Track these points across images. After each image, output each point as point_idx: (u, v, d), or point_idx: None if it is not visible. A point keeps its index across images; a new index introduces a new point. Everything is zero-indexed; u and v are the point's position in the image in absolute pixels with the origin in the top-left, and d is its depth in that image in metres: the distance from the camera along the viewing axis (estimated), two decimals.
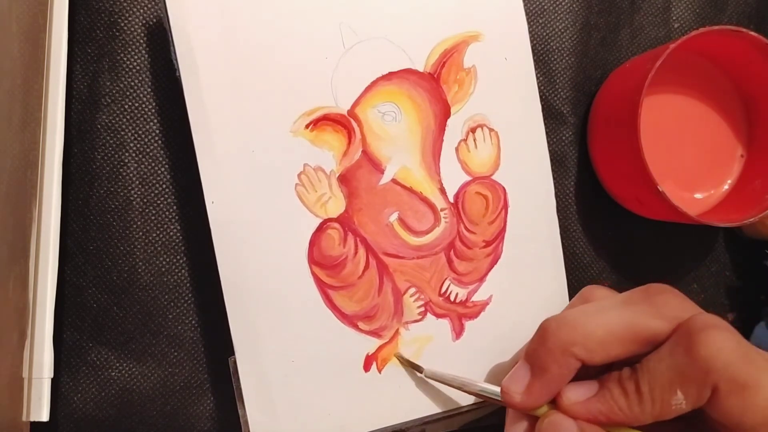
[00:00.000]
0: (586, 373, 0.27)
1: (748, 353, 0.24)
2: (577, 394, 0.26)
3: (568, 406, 0.26)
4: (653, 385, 0.25)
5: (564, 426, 0.26)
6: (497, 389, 0.29)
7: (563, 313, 0.28)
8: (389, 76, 0.33)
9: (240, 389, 0.31)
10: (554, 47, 0.38)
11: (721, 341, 0.24)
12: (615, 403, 0.25)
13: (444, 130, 0.34)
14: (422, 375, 0.32)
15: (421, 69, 0.33)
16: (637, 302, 0.26)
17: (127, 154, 0.33)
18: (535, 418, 0.28)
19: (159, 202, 0.34)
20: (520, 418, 0.29)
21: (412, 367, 0.32)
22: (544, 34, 0.38)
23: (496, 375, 0.34)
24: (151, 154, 0.34)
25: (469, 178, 0.34)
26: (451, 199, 0.34)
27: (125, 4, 0.33)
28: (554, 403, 0.28)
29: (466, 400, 0.34)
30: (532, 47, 0.35)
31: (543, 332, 0.27)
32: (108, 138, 0.33)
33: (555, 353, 0.26)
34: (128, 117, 0.33)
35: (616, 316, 0.26)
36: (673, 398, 0.24)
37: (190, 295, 0.34)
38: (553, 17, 0.38)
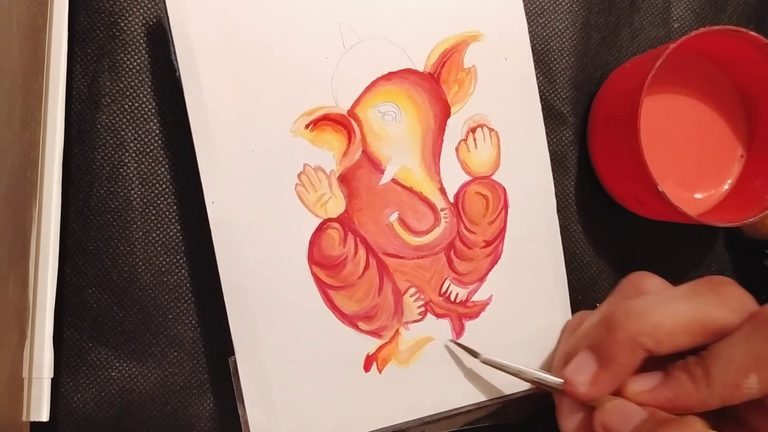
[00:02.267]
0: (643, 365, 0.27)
1: None
2: (641, 385, 0.27)
3: (633, 395, 0.27)
4: (725, 369, 0.25)
5: (629, 410, 0.26)
6: (557, 380, 0.29)
7: (629, 303, 0.28)
8: (389, 76, 0.33)
9: (240, 389, 0.31)
10: (554, 47, 0.38)
11: None
12: (682, 388, 0.26)
13: (444, 130, 0.34)
14: (479, 360, 0.32)
15: (421, 69, 0.33)
16: (704, 293, 0.27)
17: (127, 154, 0.33)
18: (591, 409, 0.28)
19: (159, 202, 0.34)
20: (576, 410, 0.29)
21: (468, 352, 0.33)
22: (544, 34, 0.38)
23: (497, 374, 0.34)
24: (151, 154, 0.34)
25: (469, 178, 0.34)
26: (451, 199, 0.34)
27: (125, 4, 0.33)
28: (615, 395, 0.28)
29: (465, 400, 0.34)
30: (532, 47, 0.35)
31: (610, 322, 0.27)
32: (108, 138, 0.33)
33: (623, 343, 0.27)
34: (128, 117, 0.33)
35: (685, 307, 0.26)
36: (745, 381, 0.24)
37: (190, 295, 0.34)
38: (553, 17, 0.38)
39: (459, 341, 0.33)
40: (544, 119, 0.36)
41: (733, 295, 0.26)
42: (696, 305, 0.26)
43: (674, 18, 0.40)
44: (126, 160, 0.33)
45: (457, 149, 0.34)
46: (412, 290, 0.33)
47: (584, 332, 0.30)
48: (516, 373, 0.31)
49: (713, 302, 0.26)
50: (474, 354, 0.32)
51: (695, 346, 0.26)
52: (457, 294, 0.34)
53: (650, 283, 0.31)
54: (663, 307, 0.27)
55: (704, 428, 0.25)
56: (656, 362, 0.27)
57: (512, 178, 0.35)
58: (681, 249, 0.41)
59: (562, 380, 0.29)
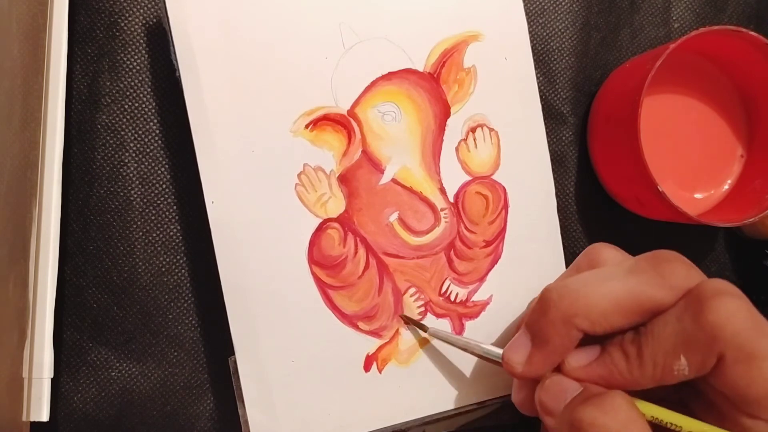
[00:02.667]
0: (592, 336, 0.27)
1: (760, 324, 0.23)
2: (578, 359, 0.26)
3: (569, 371, 0.26)
4: (656, 349, 0.24)
5: (565, 386, 0.26)
6: (500, 352, 0.29)
7: (565, 281, 0.27)
8: (389, 76, 0.33)
9: (240, 389, 0.31)
10: (554, 47, 0.38)
11: (731, 309, 0.23)
12: (615, 366, 0.25)
13: (444, 130, 0.34)
14: (426, 334, 0.32)
15: (420, 69, 0.33)
16: (644, 270, 0.25)
17: (127, 154, 0.33)
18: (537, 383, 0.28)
19: (159, 202, 0.34)
20: (524, 385, 0.29)
21: (417, 326, 0.33)
22: (544, 34, 0.38)
23: (498, 374, 0.34)
24: (151, 154, 0.34)
25: (469, 178, 0.34)
26: (451, 199, 0.34)
27: (125, 4, 0.33)
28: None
29: (465, 400, 0.34)
30: (532, 47, 0.35)
31: (544, 302, 0.26)
32: (108, 138, 0.33)
33: (557, 324, 0.26)
34: (128, 117, 0.33)
35: (620, 287, 0.25)
36: (676, 363, 0.23)
37: (190, 295, 0.34)
38: (553, 17, 0.38)
39: (406, 314, 0.33)
40: (544, 119, 0.36)
41: (674, 273, 0.25)
42: (633, 284, 0.25)
43: (674, 18, 0.40)
44: (126, 160, 0.33)
45: (457, 149, 0.34)
46: (412, 290, 0.33)
47: (528, 309, 0.29)
48: (463, 347, 0.31)
49: (651, 280, 0.25)
50: (423, 328, 0.32)
51: (633, 325, 0.25)
52: (457, 294, 0.34)
53: (606, 255, 0.29)
54: (598, 286, 0.25)
55: (626, 403, 0.24)
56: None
57: (512, 178, 0.35)
58: (681, 249, 0.40)
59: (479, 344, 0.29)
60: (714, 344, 0.23)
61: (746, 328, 0.23)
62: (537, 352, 0.27)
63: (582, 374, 0.26)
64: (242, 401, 0.31)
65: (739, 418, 0.24)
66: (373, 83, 0.33)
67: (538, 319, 0.27)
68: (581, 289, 0.26)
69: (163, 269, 0.34)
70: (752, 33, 0.34)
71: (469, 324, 0.34)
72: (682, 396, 0.26)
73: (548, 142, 0.36)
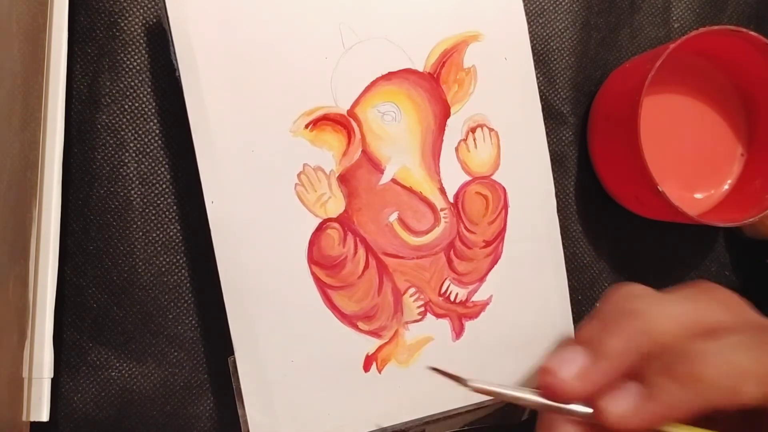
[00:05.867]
0: None
1: None
2: (619, 404, 0.23)
3: (616, 420, 0.23)
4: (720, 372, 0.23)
5: None
6: (584, 410, 0.24)
7: (623, 302, 0.26)
8: (389, 76, 0.33)
9: (240, 389, 0.31)
10: (554, 47, 0.38)
11: None
12: (670, 395, 0.23)
13: (444, 130, 0.34)
14: (467, 388, 0.26)
15: (420, 69, 0.33)
16: (696, 296, 0.25)
17: (127, 154, 0.33)
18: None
19: (159, 202, 0.34)
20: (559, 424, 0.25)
21: (454, 380, 0.26)
22: (544, 34, 0.38)
23: (497, 375, 0.34)
24: (151, 154, 0.34)
25: (469, 178, 0.34)
26: (451, 199, 0.34)
27: (125, 4, 0.33)
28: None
29: (465, 400, 0.34)
30: (532, 47, 0.35)
31: (605, 318, 0.25)
32: (108, 138, 0.33)
33: (620, 338, 0.24)
34: (128, 117, 0.33)
35: (682, 308, 0.25)
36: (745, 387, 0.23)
37: (190, 295, 0.34)
38: (553, 17, 0.38)
39: (442, 369, 0.27)
40: (544, 119, 0.35)
41: (730, 298, 0.25)
42: (691, 306, 0.25)
43: (674, 18, 0.40)
44: (126, 160, 0.33)
45: (456, 149, 0.34)
46: (411, 290, 0.33)
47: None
48: (513, 400, 0.25)
49: (710, 305, 0.25)
50: (462, 382, 0.26)
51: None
52: (456, 294, 0.34)
53: (637, 289, 0.28)
54: (661, 307, 0.25)
55: None
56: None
57: (512, 178, 0.35)
58: (681, 249, 0.41)
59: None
60: None
61: None
62: (593, 366, 0.24)
63: (634, 419, 0.23)
64: (242, 401, 0.31)
65: None
66: (373, 83, 0.33)
67: (596, 334, 0.25)
68: (646, 309, 0.25)
69: (163, 269, 0.34)
70: (752, 33, 0.34)
71: (468, 324, 0.34)
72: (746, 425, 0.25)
73: (548, 142, 0.36)
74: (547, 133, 0.35)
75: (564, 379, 0.24)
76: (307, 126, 0.32)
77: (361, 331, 0.33)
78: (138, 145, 0.34)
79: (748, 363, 0.23)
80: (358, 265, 0.33)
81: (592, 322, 0.26)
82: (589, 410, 0.24)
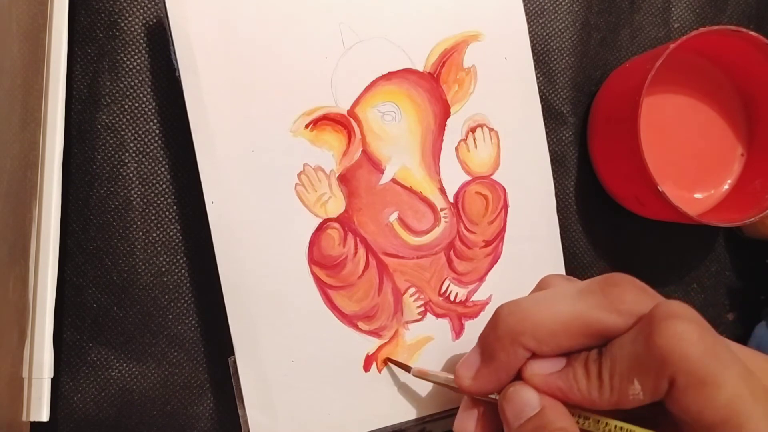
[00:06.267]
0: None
1: (713, 347, 0.22)
2: (542, 367, 0.25)
3: (529, 377, 0.26)
4: (613, 372, 0.24)
5: (526, 397, 0.25)
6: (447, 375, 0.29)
7: (517, 300, 0.27)
8: (389, 76, 0.33)
9: (240, 389, 0.31)
10: (554, 47, 0.38)
11: (681, 331, 0.22)
12: (576, 383, 0.25)
13: (444, 129, 0.34)
14: (410, 374, 0.32)
15: (420, 69, 0.33)
16: (592, 293, 0.25)
17: (127, 154, 0.33)
18: (488, 406, 0.27)
19: (159, 202, 0.34)
20: (472, 406, 0.28)
21: (402, 367, 0.32)
22: (544, 34, 0.38)
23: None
24: (151, 154, 0.34)
25: (469, 178, 0.34)
26: (451, 199, 0.34)
27: (125, 4, 0.33)
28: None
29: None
30: (532, 47, 0.35)
31: (494, 318, 0.26)
32: (108, 138, 0.33)
33: (503, 341, 0.25)
34: (128, 117, 0.33)
35: (568, 307, 0.25)
36: (630, 388, 0.23)
37: (190, 295, 0.34)
38: (553, 17, 0.38)
39: (390, 358, 0.33)
40: (544, 119, 0.36)
41: (622, 296, 0.24)
42: (580, 306, 0.25)
43: (674, 18, 0.40)
44: (126, 160, 0.33)
45: (456, 149, 0.34)
46: (411, 290, 0.33)
47: None
48: (444, 383, 0.30)
49: (599, 304, 0.24)
50: (406, 369, 0.32)
51: (581, 347, 0.25)
52: (456, 294, 0.34)
53: (555, 282, 0.29)
54: (546, 306, 0.25)
55: None
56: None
57: (512, 177, 0.35)
58: (681, 249, 0.41)
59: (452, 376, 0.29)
60: (664, 369, 0.22)
61: (697, 352, 0.22)
62: (484, 368, 0.27)
63: (542, 382, 0.25)
64: (242, 401, 0.31)
65: None
66: (373, 83, 0.33)
67: (487, 335, 0.27)
68: (531, 308, 0.26)
69: (163, 269, 0.34)
70: (752, 33, 0.34)
71: (468, 324, 0.34)
72: (656, 413, 0.26)
73: (548, 142, 0.36)
74: (547, 133, 0.36)
75: (463, 380, 0.27)
76: (307, 126, 0.32)
77: (361, 331, 0.33)
78: (138, 145, 0.34)
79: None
80: (358, 265, 0.33)
81: (492, 316, 0.27)
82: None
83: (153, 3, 0.34)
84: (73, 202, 0.33)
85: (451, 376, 0.29)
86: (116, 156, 0.33)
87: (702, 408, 0.22)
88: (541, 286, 0.30)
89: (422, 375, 0.31)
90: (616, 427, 0.24)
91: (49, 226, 0.31)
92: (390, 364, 0.33)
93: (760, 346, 0.39)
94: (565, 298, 0.25)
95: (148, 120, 0.34)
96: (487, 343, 0.27)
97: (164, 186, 0.34)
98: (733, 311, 0.41)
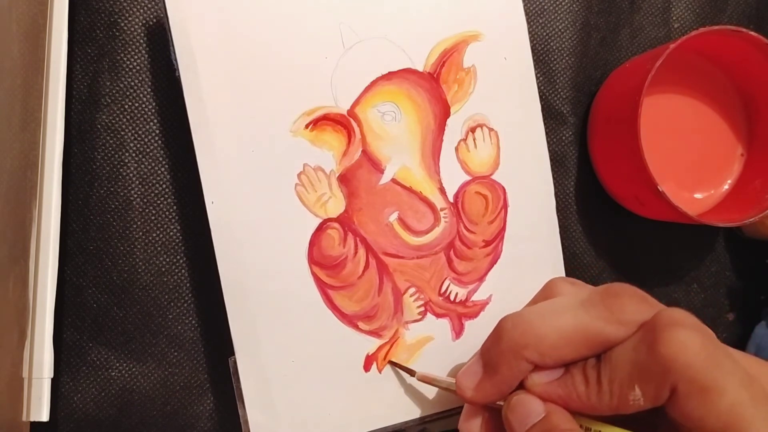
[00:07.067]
0: None
1: (715, 354, 0.23)
2: (541, 376, 0.26)
3: (531, 385, 0.26)
4: (613, 378, 0.24)
5: (530, 406, 0.26)
6: (449, 380, 0.29)
7: (520, 311, 0.27)
8: (389, 76, 0.33)
9: (240, 389, 0.31)
10: (554, 47, 0.38)
11: (684, 339, 0.23)
12: (575, 389, 0.25)
13: (444, 129, 0.34)
14: (414, 378, 0.32)
15: (420, 69, 0.33)
16: (594, 305, 0.25)
17: (127, 154, 0.33)
18: (492, 413, 0.28)
19: (159, 202, 0.34)
20: (476, 412, 0.28)
21: (405, 371, 0.32)
22: (544, 34, 0.38)
23: None
24: (151, 154, 0.34)
25: (468, 178, 0.34)
26: (451, 199, 0.34)
27: (125, 4, 0.33)
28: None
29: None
30: (532, 47, 0.35)
31: (498, 331, 0.27)
32: (108, 138, 0.33)
33: (506, 355, 0.26)
34: (128, 117, 0.33)
35: (570, 320, 0.25)
36: (631, 394, 0.23)
37: (190, 295, 0.34)
38: (553, 17, 0.38)
39: (393, 360, 0.33)
40: (544, 119, 0.36)
41: (623, 307, 0.25)
42: (582, 317, 0.25)
43: (674, 18, 0.40)
44: (126, 160, 0.33)
45: (456, 149, 0.34)
46: (411, 290, 0.33)
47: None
48: (447, 388, 0.31)
49: (600, 315, 0.25)
50: (410, 372, 0.32)
51: (582, 358, 0.25)
52: (456, 294, 0.34)
53: (560, 288, 0.30)
54: (549, 319, 0.26)
55: None
56: None
57: (512, 177, 0.35)
58: (681, 249, 0.41)
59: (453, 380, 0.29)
60: (667, 376, 0.22)
61: (699, 360, 0.22)
62: (486, 380, 0.27)
63: (543, 391, 0.26)
64: (242, 401, 0.31)
65: None
66: (373, 83, 0.33)
67: (490, 347, 0.27)
68: (534, 321, 0.26)
69: (163, 269, 0.34)
70: (752, 33, 0.34)
71: (468, 324, 0.34)
72: (656, 421, 0.26)
73: (548, 142, 0.36)
74: (547, 133, 0.36)
75: (465, 391, 0.28)
76: (307, 126, 0.32)
77: (361, 331, 0.33)
78: (138, 145, 0.34)
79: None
80: (358, 265, 0.33)
81: (495, 327, 0.27)
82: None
83: (153, 3, 0.34)
84: (73, 202, 0.33)
85: (454, 382, 0.29)
86: (116, 156, 0.33)
87: (704, 414, 0.22)
88: (546, 292, 0.31)
89: (426, 380, 0.31)
90: None
91: (49, 226, 0.31)
92: (394, 366, 0.33)
93: (760, 346, 0.39)
94: (567, 310, 0.26)
95: (148, 120, 0.34)
96: (490, 355, 0.27)
97: (164, 186, 0.34)
98: (733, 311, 0.41)
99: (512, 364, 0.26)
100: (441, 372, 0.33)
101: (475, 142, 0.34)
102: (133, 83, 0.33)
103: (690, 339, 0.23)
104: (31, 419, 0.30)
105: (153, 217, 0.34)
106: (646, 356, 0.23)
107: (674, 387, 0.23)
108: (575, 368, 0.25)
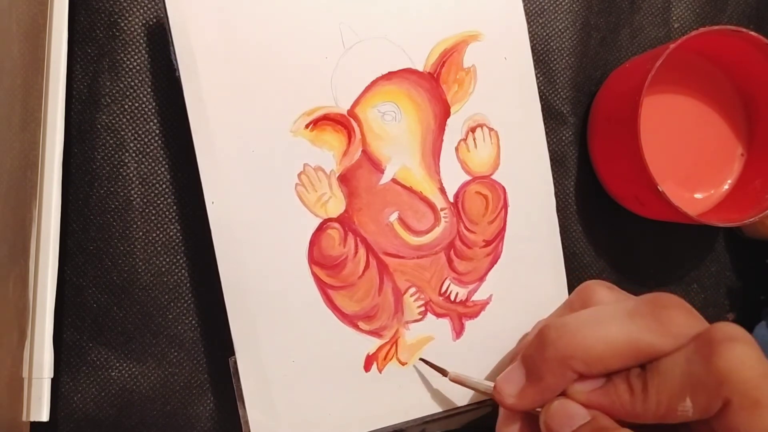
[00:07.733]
0: None
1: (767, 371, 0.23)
2: (584, 385, 0.26)
3: (573, 393, 0.26)
4: (662, 388, 0.24)
5: (573, 412, 0.26)
6: (488, 384, 0.29)
7: (564, 320, 0.27)
8: (389, 76, 0.33)
9: (240, 389, 0.31)
10: (554, 47, 0.38)
11: (741, 355, 0.23)
12: (618, 398, 0.25)
13: (444, 129, 0.34)
14: (446, 379, 0.32)
15: (420, 69, 0.33)
16: (642, 316, 0.25)
17: (127, 154, 0.33)
18: (529, 416, 0.28)
19: (159, 202, 0.34)
20: (514, 417, 0.29)
21: (438, 370, 0.32)
22: (544, 34, 0.38)
23: (497, 374, 0.34)
24: (151, 154, 0.34)
25: (468, 178, 0.34)
26: (451, 199, 0.34)
27: (125, 4, 0.33)
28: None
29: (465, 399, 0.34)
30: (532, 47, 0.35)
31: (542, 339, 0.27)
32: (108, 138, 0.33)
33: (552, 364, 0.26)
34: (128, 117, 0.33)
35: (619, 331, 0.25)
36: (681, 404, 0.24)
37: (190, 295, 0.34)
38: (553, 17, 0.38)
39: (424, 358, 0.33)
40: (544, 119, 0.36)
41: (673, 320, 0.25)
42: (631, 329, 0.25)
43: (674, 18, 0.40)
44: (126, 160, 0.33)
45: (456, 149, 0.34)
46: (412, 290, 0.33)
47: (525, 341, 0.29)
48: (485, 391, 0.30)
49: (650, 326, 0.25)
50: (443, 372, 0.32)
51: (627, 368, 0.25)
52: (457, 294, 0.34)
53: (599, 295, 0.30)
54: (596, 329, 0.25)
55: None
56: None
57: (512, 177, 0.35)
58: (681, 249, 0.41)
59: (492, 385, 0.29)
60: (721, 389, 0.23)
61: (755, 376, 0.23)
62: (530, 388, 0.27)
63: (586, 399, 0.26)
64: (242, 401, 0.31)
65: None
66: (373, 83, 0.33)
67: (534, 355, 0.27)
68: (580, 331, 0.26)
69: (163, 269, 0.34)
70: (752, 33, 0.34)
71: (468, 324, 0.34)
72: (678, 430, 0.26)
73: (548, 142, 0.36)
74: (547, 133, 0.36)
75: (505, 397, 0.28)
76: (307, 126, 0.32)
77: (361, 331, 0.33)
78: (138, 145, 0.34)
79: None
80: (358, 265, 0.33)
81: (538, 333, 0.27)
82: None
83: (153, 3, 0.34)
84: (73, 202, 0.33)
85: (490, 385, 0.29)
86: (116, 156, 0.33)
87: (751, 428, 0.23)
88: (583, 297, 0.30)
89: (459, 381, 0.31)
90: None
91: (49, 226, 0.31)
92: (425, 364, 0.33)
93: (760, 346, 0.39)
94: (614, 320, 0.26)
95: (148, 120, 0.34)
96: (533, 363, 0.27)
97: (164, 186, 0.34)
98: (733, 311, 0.41)
99: (557, 373, 0.26)
100: (442, 366, 0.33)
101: (475, 142, 0.34)
102: (133, 83, 0.33)
103: (746, 354, 0.23)
104: (31, 419, 0.30)
105: (153, 217, 0.34)
106: (701, 368, 0.23)
107: (727, 400, 0.23)
108: (619, 378, 0.25)
